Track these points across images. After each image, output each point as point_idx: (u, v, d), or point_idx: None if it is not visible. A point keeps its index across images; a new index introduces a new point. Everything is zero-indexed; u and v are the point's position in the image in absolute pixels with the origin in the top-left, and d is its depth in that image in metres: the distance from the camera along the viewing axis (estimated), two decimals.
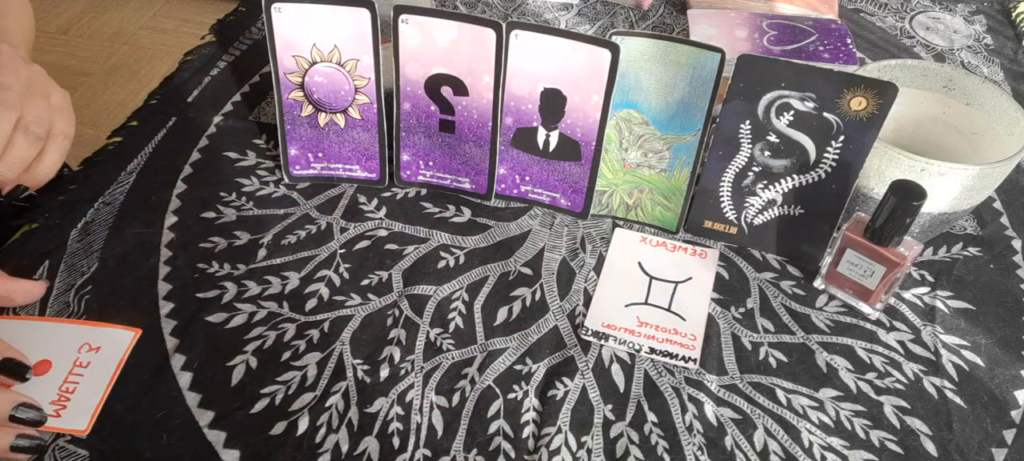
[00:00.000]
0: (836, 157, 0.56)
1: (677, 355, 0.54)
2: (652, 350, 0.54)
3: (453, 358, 0.53)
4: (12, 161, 0.54)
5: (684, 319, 0.56)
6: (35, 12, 0.70)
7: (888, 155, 0.55)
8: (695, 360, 0.53)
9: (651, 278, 0.59)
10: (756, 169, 0.59)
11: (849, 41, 0.76)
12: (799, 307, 0.58)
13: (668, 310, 0.57)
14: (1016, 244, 0.64)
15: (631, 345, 0.54)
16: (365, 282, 0.58)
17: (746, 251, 0.62)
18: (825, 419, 0.50)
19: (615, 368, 0.53)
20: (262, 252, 0.60)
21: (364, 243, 0.61)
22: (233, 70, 0.80)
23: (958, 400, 0.52)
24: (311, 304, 0.56)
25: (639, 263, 0.60)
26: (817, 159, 0.57)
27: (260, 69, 0.80)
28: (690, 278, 0.59)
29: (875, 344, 0.55)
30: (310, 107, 0.63)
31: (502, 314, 0.56)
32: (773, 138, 0.57)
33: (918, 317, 0.57)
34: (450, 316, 0.56)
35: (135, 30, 2.26)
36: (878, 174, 0.56)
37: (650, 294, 0.58)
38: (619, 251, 0.61)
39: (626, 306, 0.57)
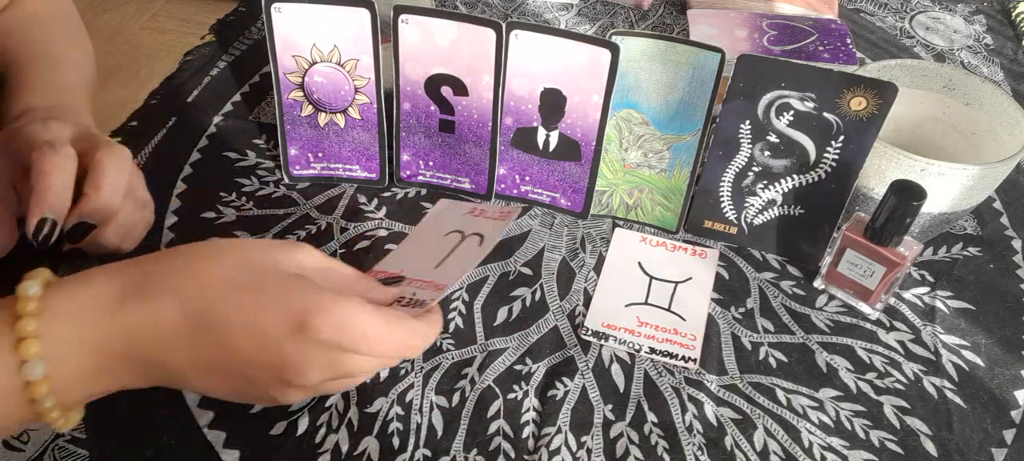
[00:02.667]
0: (836, 157, 0.56)
1: (677, 355, 0.53)
2: (652, 350, 0.54)
3: (453, 358, 0.53)
4: (120, 226, 0.54)
5: (684, 319, 0.56)
6: None
7: (888, 155, 0.55)
8: (695, 360, 0.53)
9: (651, 278, 0.59)
10: (756, 169, 0.59)
11: (849, 41, 0.76)
12: (799, 307, 0.58)
13: (668, 310, 0.57)
14: (1016, 244, 0.64)
15: (631, 345, 0.54)
16: None
17: (746, 251, 0.62)
18: (825, 419, 0.50)
19: (615, 368, 0.53)
20: None
21: (364, 243, 0.61)
22: (233, 70, 0.80)
23: (958, 400, 0.52)
24: None
25: (639, 263, 0.60)
26: (817, 159, 0.57)
27: (260, 69, 0.79)
28: (690, 278, 0.59)
29: (875, 344, 0.55)
30: (310, 107, 0.63)
31: (502, 314, 0.56)
32: (773, 138, 0.57)
33: (918, 317, 0.57)
34: (450, 316, 0.56)
35: (135, 30, 2.26)
36: (878, 174, 0.56)
37: (650, 294, 0.58)
38: (619, 251, 0.61)
39: (626, 306, 0.57)
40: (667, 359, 0.53)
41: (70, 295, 0.37)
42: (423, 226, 0.58)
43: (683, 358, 0.53)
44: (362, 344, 0.38)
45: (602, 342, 0.54)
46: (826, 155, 0.56)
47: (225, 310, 0.37)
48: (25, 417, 0.37)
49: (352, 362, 0.39)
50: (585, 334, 0.55)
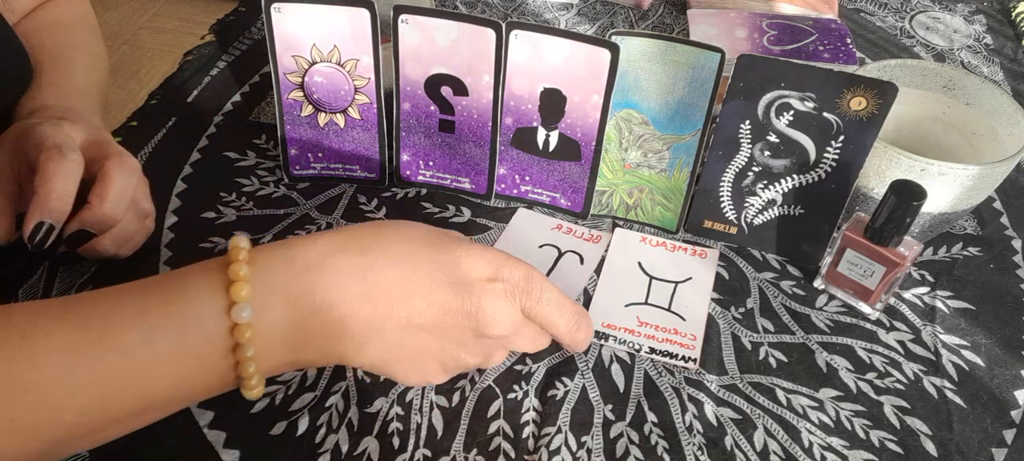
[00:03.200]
0: (836, 157, 0.56)
1: (677, 355, 0.53)
2: (652, 350, 0.54)
3: None
4: (119, 235, 0.54)
5: (684, 319, 0.56)
6: None
7: (888, 155, 0.55)
8: (695, 360, 0.53)
9: (651, 278, 0.59)
10: (756, 169, 0.59)
11: (849, 41, 0.76)
12: (799, 307, 0.58)
13: (668, 310, 0.57)
14: (1016, 244, 0.64)
15: (631, 345, 0.54)
16: None
17: (746, 251, 0.62)
18: (825, 419, 0.50)
19: (615, 368, 0.53)
20: None
21: None
22: (233, 70, 0.80)
23: (958, 400, 0.52)
24: None
25: (639, 263, 0.60)
26: (817, 159, 0.57)
27: (260, 69, 0.80)
28: (690, 278, 0.59)
29: (875, 344, 0.55)
30: (310, 107, 0.63)
31: None
32: (773, 138, 0.57)
33: (918, 317, 0.57)
34: None
35: (135, 30, 2.26)
36: (878, 174, 0.56)
37: (650, 294, 0.58)
38: (619, 251, 0.61)
39: (626, 306, 0.57)
40: (667, 359, 0.53)
41: (274, 251, 0.41)
42: (509, 235, 0.61)
43: (683, 358, 0.53)
44: (544, 306, 0.44)
45: (602, 342, 0.54)
46: (826, 155, 0.56)
47: (428, 261, 0.41)
48: (221, 372, 0.39)
49: (529, 327, 0.45)
50: None
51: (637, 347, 0.54)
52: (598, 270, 0.60)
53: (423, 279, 0.41)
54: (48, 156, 0.49)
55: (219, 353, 0.39)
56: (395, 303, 0.40)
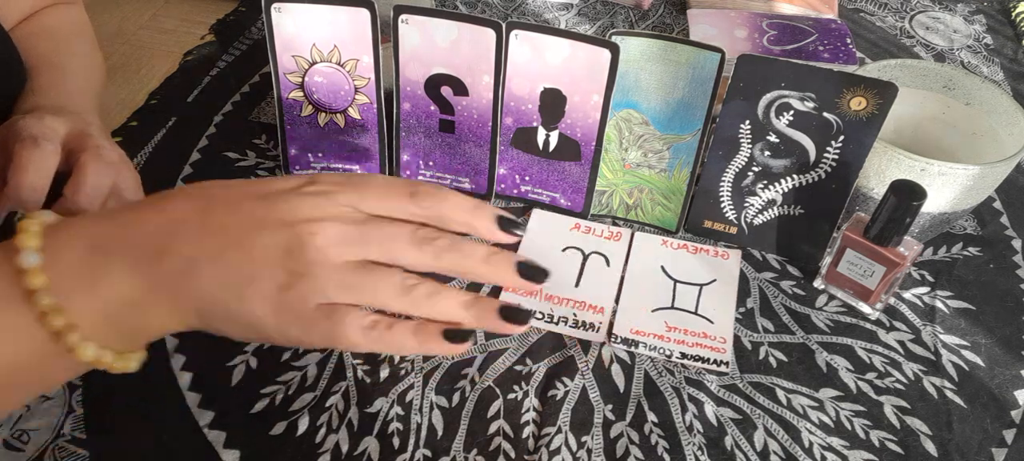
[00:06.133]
0: (836, 157, 0.56)
1: (709, 359, 0.53)
2: (683, 355, 0.53)
3: (453, 358, 0.53)
4: None
5: (712, 322, 0.56)
6: None
7: (888, 155, 0.55)
8: (726, 364, 0.53)
9: (675, 282, 0.59)
10: (756, 169, 0.59)
11: (849, 41, 0.76)
12: (799, 307, 0.58)
13: (695, 314, 0.56)
14: (1016, 244, 0.64)
15: (662, 351, 0.54)
16: None
17: (746, 251, 0.62)
18: (825, 419, 0.50)
19: (615, 368, 0.53)
20: None
21: None
22: (233, 70, 0.80)
23: (958, 400, 0.52)
24: None
25: (662, 267, 0.60)
26: (817, 159, 0.57)
27: (260, 69, 0.79)
28: (714, 280, 0.59)
29: (875, 344, 0.55)
30: (310, 107, 0.63)
31: None
32: (773, 138, 0.57)
33: (918, 317, 0.57)
34: None
35: (135, 30, 2.26)
36: (878, 174, 0.56)
37: (676, 298, 0.58)
38: (641, 255, 0.61)
39: (653, 311, 0.56)
40: (700, 364, 0.53)
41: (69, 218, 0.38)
42: (529, 238, 0.62)
43: (715, 362, 0.53)
44: (372, 186, 0.37)
45: (633, 349, 0.54)
46: (826, 155, 0.56)
47: (231, 185, 0.37)
48: (26, 331, 0.34)
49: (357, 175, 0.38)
50: (614, 342, 0.54)
51: (668, 353, 0.54)
52: (623, 272, 0.59)
53: (226, 199, 0.36)
54: (22, 146, 0.48)
55: (12, 307, 0.34)
56: (198, 230, 0.35)
